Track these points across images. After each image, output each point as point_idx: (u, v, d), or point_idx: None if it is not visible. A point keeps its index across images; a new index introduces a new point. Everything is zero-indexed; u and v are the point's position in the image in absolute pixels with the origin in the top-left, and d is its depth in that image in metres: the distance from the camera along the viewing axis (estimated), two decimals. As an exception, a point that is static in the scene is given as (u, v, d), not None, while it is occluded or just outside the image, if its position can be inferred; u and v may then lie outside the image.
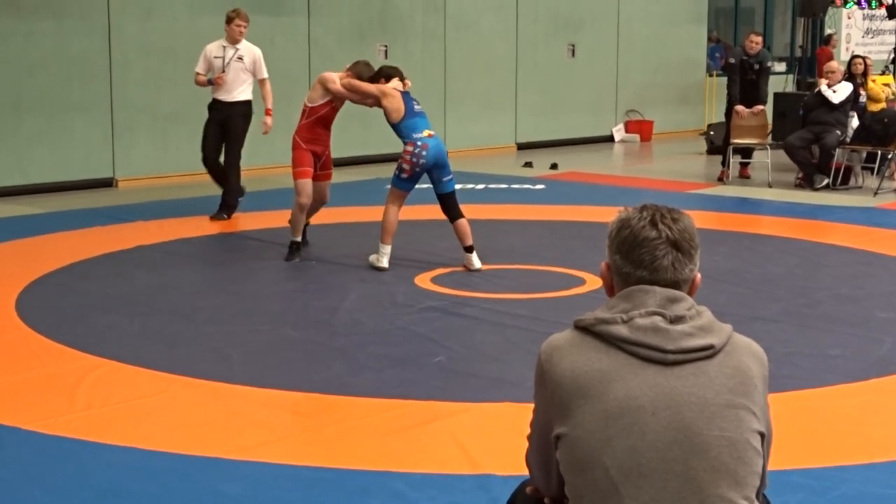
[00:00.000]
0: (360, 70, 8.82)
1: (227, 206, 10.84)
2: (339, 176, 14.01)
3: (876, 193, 12.55)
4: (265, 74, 10.88)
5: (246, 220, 10.72)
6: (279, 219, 10.84)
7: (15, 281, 8.07)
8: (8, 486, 4.46)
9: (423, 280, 8.19)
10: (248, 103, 10.87)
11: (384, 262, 8.48)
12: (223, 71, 10.66)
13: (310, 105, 8.91)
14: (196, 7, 13.76)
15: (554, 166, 15.13)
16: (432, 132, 8.53)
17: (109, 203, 11.84)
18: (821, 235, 10.26)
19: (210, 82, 10.76)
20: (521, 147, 17.77)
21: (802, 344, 6.55)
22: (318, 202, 9.31)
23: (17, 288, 7.87)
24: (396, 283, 8.10)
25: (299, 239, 9.03)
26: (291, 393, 5.63)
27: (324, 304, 7.53)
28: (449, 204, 8.58)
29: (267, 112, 10.80)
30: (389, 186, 8.63)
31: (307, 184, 8.92)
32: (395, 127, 8.52)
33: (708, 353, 2.43)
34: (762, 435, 2.45)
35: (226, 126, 10.80)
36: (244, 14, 10.82)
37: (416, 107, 8.56)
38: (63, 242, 9.62)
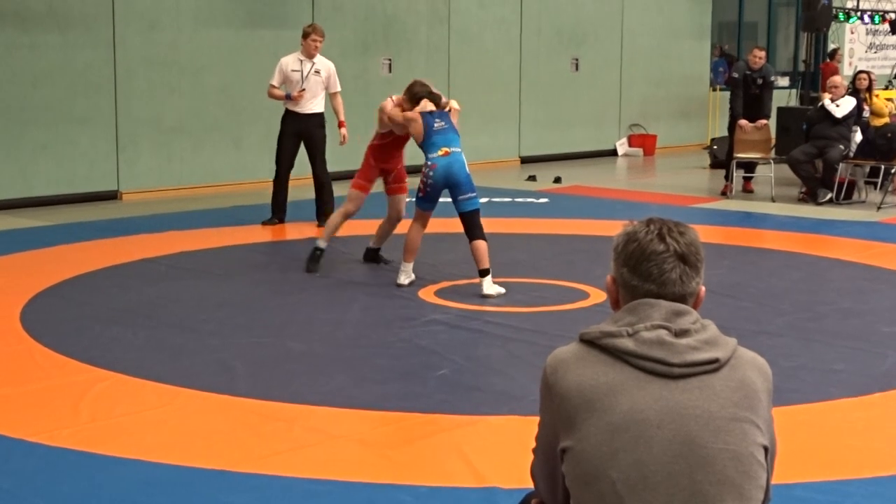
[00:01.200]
0: (416, 91, 8.67)
1: (325, 213, 10.81)
2: (343, 188, 14.04)
3: (879, 208, 12.55)
4: (339, 88, 11.38)
5: (251, 234, 10.73)
6: (281, 232, 10.86)
7: (20, 293, 8.08)
8: (12, 498, 4.47)
9: (427, 293, 8.19)
10: (323, 115, 11.32)
11: (401, 279, 8.42)
12: (302, 84, 11.06)
13: (379, 132, 8.92)
14: (201, 19, 13.80)
15: (557, 180, 15.15)
16: (451, 149, 8.36)
17: (113, 216, 11.86)
18: (824, 250, 10.27)
19: (288, 97, 11.11)
20: (525, 161, 17.79)
21: (806, 358, 6.54)
22: (395, 217, 9.20)
23: (22, 300, 7.88)
24: (400, 296, 8.11)
25: (324, 246, 9.02)
26: (296, 405, 5.63)
27: (328, 317, 7.53)
28: (468, 224, 8.31)
29: (341, 124, 11.25)
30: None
31: (360, 196, 8.94)
32: (420, 146, 8.52)
33: (713, 366, 2.44)
34: (766, 448, 2.46)
35: (305, 138, 11.26)
36: (320, 29, 11.29)
37: (437, 124, 8.44)
38: (67, 255, 9.64)
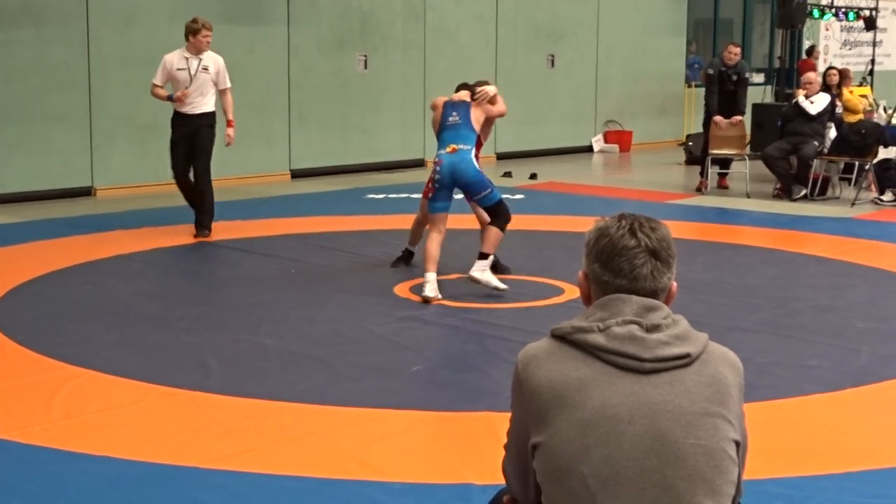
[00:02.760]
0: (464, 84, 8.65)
1: (203, 225, 10.33)
2: (318, 185, 14.04)
3: (853, 204, 12.60)
4: (229, 84, 10.47)
5: (225, 230, 10.69)
6: (255, 228, 10.83)
7: (-8, 290, 8.04)
8: (-16, 496, 4.44)
9: (402, 290, 8.18)
10: (214, 114, 10.42)
11: (427, 291, 7.80)
12: (190, 83, 10.18)
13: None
14: (177, 16, 13.71)
15: (533, 176, 15.16)
16: (459, 146, 8.10)
17: (88, 212, 11.79)
18: (799, 246, 10.30)
19: (171, 98, 10.24)
20: (501, 157, 17.78)
21: (781, 354, 6.56)
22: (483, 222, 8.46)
23: (-5, 297, 7.84)
24: (375, 293, 8.09)
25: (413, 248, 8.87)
26: (270, 402, 5.61)
27: (302, 314, 7.52)
28: (492, 213, 8.12)
29: (229, 123, 10.46)
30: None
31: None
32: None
33: (684, 361, 2.44)
34: (738, 444, 2.46)
35: (192, 140, 10.30)
36: (209, 23, 10.41)
37: (451, 119, 8.23)
38: (41, 251, 9.58)
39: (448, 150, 8.12)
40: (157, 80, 10.36)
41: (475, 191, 8.11)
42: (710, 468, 2.38)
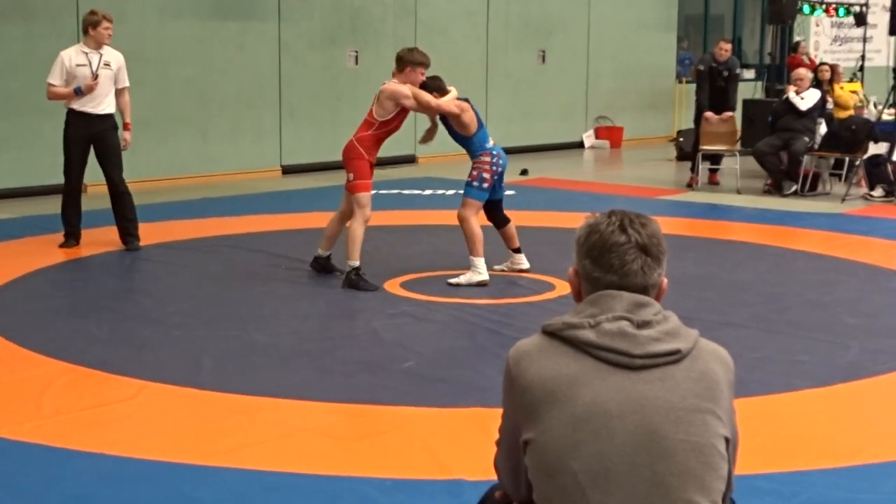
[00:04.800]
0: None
1: (132, 234, 9.63)
2: (309, 181, 14.03)
3: (844, 200, 12.63)
4: (128, 83, 9.70)
5: (215, 226, 10.68)
6: (246, 224, 10.82)
7: (-18, 286, 8.02)
8: (-25, 493, 4.44)
9: (393, 285, 8.18)
10: (114, 117, 9.64)
11: (485, 275, 8.19)
12: (93, 79, 9.34)
13: (379, 119, 8.25)
14: (166, 11, 13.72)
15: (524, 172, 15.16)
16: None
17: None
18: (789, 241, 10.32)
19: (78, 91, 9.30)
20: (492, 153, 17.76)
21: (771, 349, 6.58)
22: (349, 215, 8.42)
23: (-15, 293, 7.82)
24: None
25: (356, 264, 8.11)
26: (261, 398, 5.61)
27: (293, 310, 7.51)
28: (500, 208, 8.62)
29: (126, 126, 9.71)
30: (466, 198, 8.30)
31: (370, 197, 8.24)
32: (468, 139, 8.36)
33: (674, 357, 2.45)
34: (728, 439, 2.47)
35: (96, 142, 9.52)
36: (109, 15, 9.59)
37: (479, 116, 8.57)
38: (30, 247, 9.56)
39: (493, 142, 8.50)
40: (55, 80, 9.40)
41: (503, 178, 8.55)
42: (700, 464, 2.39)
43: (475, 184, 8.30)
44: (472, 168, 8.35)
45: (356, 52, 15.75)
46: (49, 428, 5.17)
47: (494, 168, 8.32)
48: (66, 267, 8.85)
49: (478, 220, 8.31)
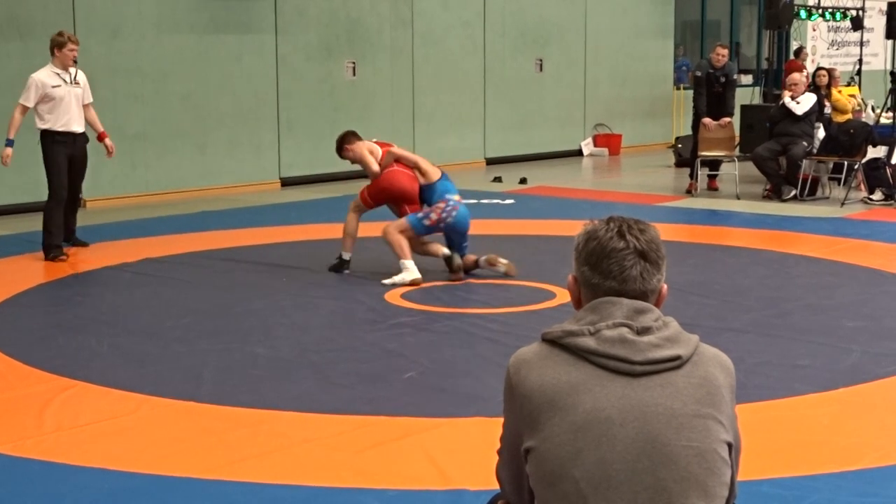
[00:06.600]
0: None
1: (79, 241, 10.32)
2: (307, 193, 14.03)
3: (843, 204, 12.62)
4: (91, 99, 10.23)
5: (215, 239, 10.67)
6: (245, 237, 10.82)
7: (-18, 303, 8.01)
8: (-24, 510, 4.43)
9: (393, 296, 8.18)
10: (86, 133, 10.13)
11: (416, 274, 8.53)
12: (70, 98, 9.82)
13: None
14: (163, 26, 13.73)
15: (523, 181, 15.16)
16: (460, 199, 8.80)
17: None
18: (789, 246, 10.31)
19: (9, 143, 9.80)
20: (491, 162, 17.80)
21: (772, 354, 6.57)
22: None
23: (-15, 310, 7.81)
24: (366, 300, 8.09)
25: (348, 257, 9.09)
26: (262, 411, 5.60)
27: (293, 322, 7.51)
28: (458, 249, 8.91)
29: (103, 135, 10.27)
30: (404, 220, 8.68)
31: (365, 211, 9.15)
32: (430, 187, 8.72)
33: (675, 363, 2.44)
34: (730, 445, 2.46)
35: (77, 161, 10.01)
36: (74, 37, 10.07)
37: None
38: (30, 263, 9.56)
39: (457, 198, 8.73)
40: (28, 102, 9.78)
41: (464, 240, 8.82)
42: (702, 470, 2.38)
43: (420, 216, 8.63)
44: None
45: (353, 63, 15.77)
46: (50, 444, 5.16)
47: (444, 215, 8.61)
48: (66, 282, 8.85)
49: (396, 233, 8.58)
